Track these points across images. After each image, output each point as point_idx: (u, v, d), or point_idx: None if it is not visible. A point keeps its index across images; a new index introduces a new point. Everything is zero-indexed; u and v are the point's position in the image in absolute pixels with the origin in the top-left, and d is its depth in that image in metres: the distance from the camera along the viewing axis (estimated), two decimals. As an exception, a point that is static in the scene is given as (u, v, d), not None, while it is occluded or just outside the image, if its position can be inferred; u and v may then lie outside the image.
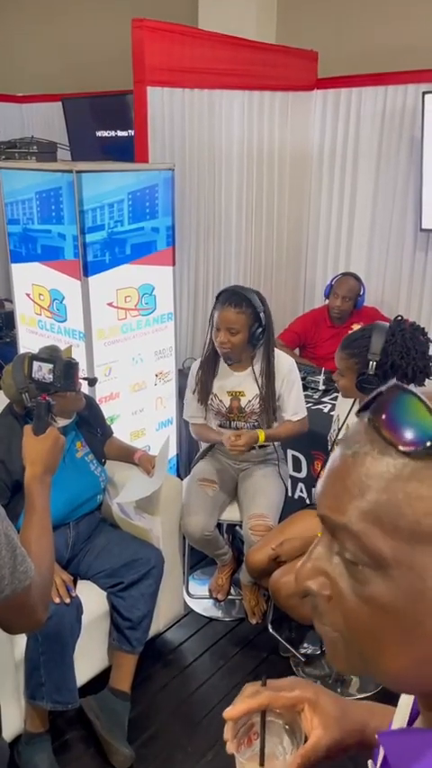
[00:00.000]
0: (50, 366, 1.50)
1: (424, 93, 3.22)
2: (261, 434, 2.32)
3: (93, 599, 2.13)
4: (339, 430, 2.15)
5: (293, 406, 2.40)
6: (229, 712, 0.74)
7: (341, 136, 3.82)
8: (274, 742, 0.74)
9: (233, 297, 2.24)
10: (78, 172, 2.44)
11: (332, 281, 3.52)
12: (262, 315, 2.26)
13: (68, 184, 2.48)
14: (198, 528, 2.32)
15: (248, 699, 0.75)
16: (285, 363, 2.36)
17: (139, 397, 2.99)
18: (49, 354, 1.53)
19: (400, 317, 1.90)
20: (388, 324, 1.90)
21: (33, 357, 1.53)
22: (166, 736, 2.13)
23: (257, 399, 2.34)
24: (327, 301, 3.58)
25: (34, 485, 1.31)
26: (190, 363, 3.39)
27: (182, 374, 3.27)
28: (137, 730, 2.10)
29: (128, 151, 4.49)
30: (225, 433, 2.37)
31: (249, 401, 2.35)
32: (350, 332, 2.04)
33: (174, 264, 2.96)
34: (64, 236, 2.59)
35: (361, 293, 3.47)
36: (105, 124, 4.63)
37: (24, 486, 1.32)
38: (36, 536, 1.23)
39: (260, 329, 2.26)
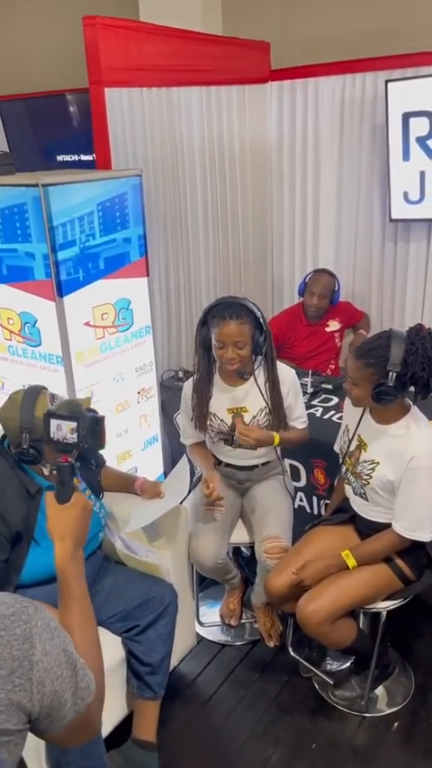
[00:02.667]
0: (73, 425, 1.31)
1: (387, 82, 3.16)
2: (276, 437, 2.20)
3: (107, 646, 1.91)
4: (351, 441, 2.07)
5: (299, 413, 2.30)
6: None
7: (300, 128, 3.72)
8: None
9: (230, 309, 2.09)
10: (45, 185, 2.25)
11: (306, 278, 3.43)
12: (262, 321, 2.14)
13: (34, 199, 2.29)
14: (210, 558, 2.19)
15: None
16: (288, 372, 2.25)
17: (123, 418, 2.83)
18: (70, 411, 1.34)
19: (419, 326, 1.81)
20: (405, 331, 1.81)
21: (51, 414, 1.34)
22: (199, 781, 2.01)
23: (264, 413, 2.22)
24: (300, 299, 3.50)
25: (67, 564, 1.15)
26: (169, 376, 3.26)
27: (163, 388, 3.13)
28: (167, 780, 1.98)
29: (75, 152, 4.30)
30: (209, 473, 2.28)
31: (254, 416, 2.23)
32: (361, 341, 1.94)
33: (148, 275, 2.80)
34: (33, 255, 2.39)
35: (336, 289, 3.40)
36: (46, 127, 4.39)
37: (56, 566, 1.16)
38: (78, 625, 1.07)
39: (262, 336, 2.14)
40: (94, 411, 1.53)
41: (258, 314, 2.14)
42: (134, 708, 2.05)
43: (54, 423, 1.29)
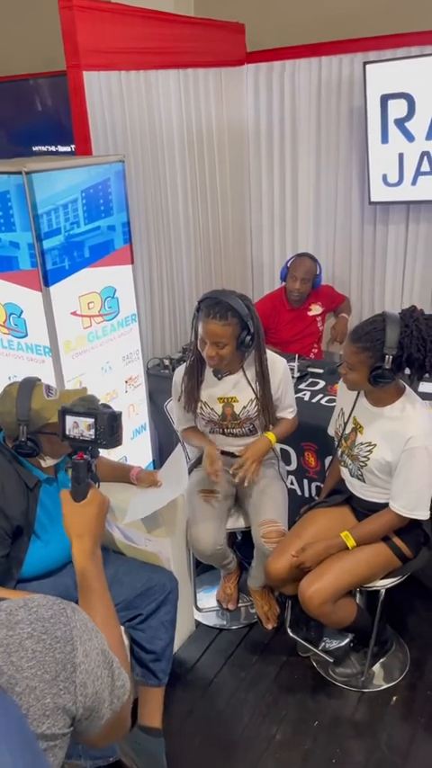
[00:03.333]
0: (90, 421, 1.28)
1: (365, 64, 3.16)
2: (272, 437, 2.22)
3: None
4: (346, 424, 2.09)
5: (289, 403, 2.32)
6: None
7: (277, 111, 3.71)
8: None
9: (216, 308, 2.06)
10: (29, 173, 2.20)
11: (287, 263, 3.44)
12: (250, 322, 2.11)
13: (18, 187, 2.24)
14: (209, 545, 2.20)
15: None
16: (280, 364, 2.25)
17: (112, 407, 2.80)
18: (87, 407, 1.31)
19: (413, 307, 1.84)
20: (398, 314, 1.83)
21: (66, 411, 1.31)
22: (206, 763, 2.03)
23: (253, 404, 2.22)
24: (282, 284, 3.50)
25: (86, 562, 1.14)
26: (155, 364, 3.24)
27: (149, 376, 3.11)
28: (175, 764, 1.99)
29: (42, 137, 4.20)
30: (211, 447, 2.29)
31: (244, 407, 2.23)
32: (357, 324, 1.95)
33: (132, 262, 2.77)
34: (17, 244, 2.34)
35: (318, 273, 3.41)
36: (18, 114, 4.29)
37: (75, 564, 1.16)
38: (102, 622, 1.06)
39: (249, 336, 2.12)
40: (108, 407, 1.51)
41: (247, 314, 2.08)
42: (139, 695, 2.05)
43: (70, 420, 1.27)
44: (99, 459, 2.25)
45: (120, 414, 1.32)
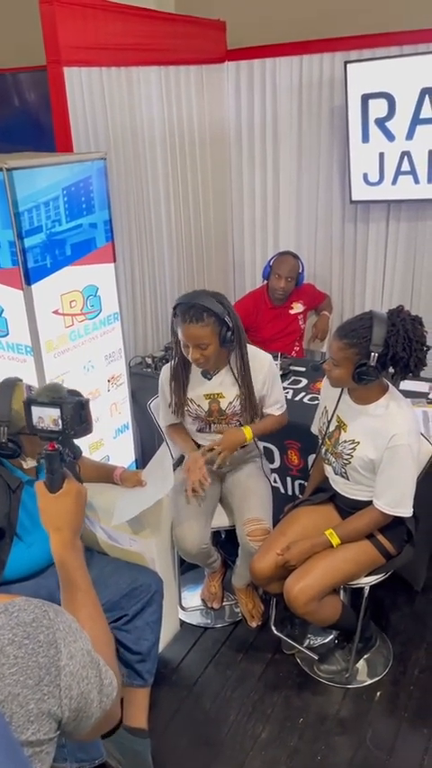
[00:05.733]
0: (57, 412, 1.26)
1: (346, 63, 3.17)
2: (248, 432, 2.22)
3: None
4: (330, 422, 2.10)
5: (276, 399, 2.32)
6: None
7: (258, 109, 3.71)
8: None
9: (191, 311, 2.05)
10: (10, 169, 2.17)
11: (270, 261, 3.44)
12: (227, 318, 2.11)
13: (-2, 184, 2.21)
14: (195, 544, 2.20)
15: None
16: (265, 360, 2.25)
17: (94, 406, 2.74)
18: (51, 397, 1.28)
19: (400, 307, 1.85)
20: (386, 313, 1.84)
21: (32, 402, 1.28)
22: (193, 763, 2.03)
23: (239, 400, 2.22)
24: (264, 282, 3.51)
25: (67, 554, 1.10)
26: (137, 362, 3.23)
27: (132, 375, 3.10)
28: (161, 764, 1.98)
29: (15, 135, 4.14)
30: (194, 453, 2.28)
31: (230, 402, 2.23)
32: (344, 321, 1.96)
33: (114, 261, 2.75)
34: (-2, 242, 2.31)
35: (300, 271, 3.42)
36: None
37: (54, 558, 1.12)
38: (87, 617, 1.04)
39: (229, 332, 2.12)
40: (77, 393, 1.47)
41: (222, 310, 2.08)
42: (124, 696, 2.04)
43: (36, 411, 1.24)
44: (82, 459, 2.24)
45: (87, 401, 1.29)
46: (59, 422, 1.26)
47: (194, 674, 2.35)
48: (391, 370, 1.87)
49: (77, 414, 1.27)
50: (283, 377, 3.03)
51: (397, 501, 1.93)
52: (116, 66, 2.91)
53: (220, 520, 2.40)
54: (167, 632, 2.32)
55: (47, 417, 1.27)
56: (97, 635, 1.01)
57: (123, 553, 2.13)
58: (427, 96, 3.03)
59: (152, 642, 2.01)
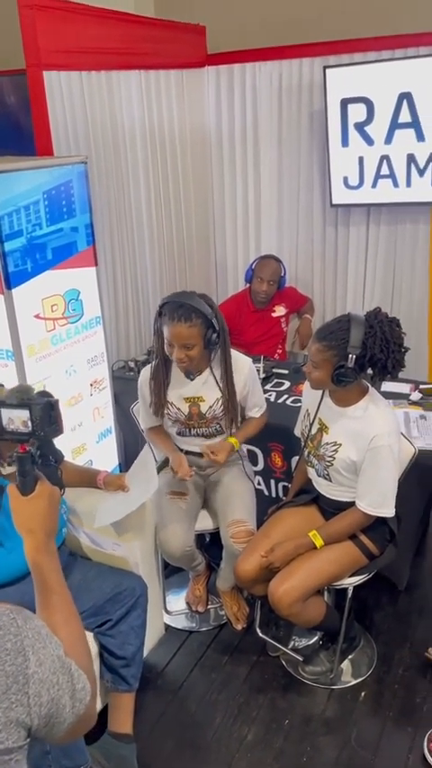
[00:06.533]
0: (25, 414, 1.25)
1: (325, 68, 3.20)
2: (235, 443, 2.24)
3: None
4: (312, 425, 2.11)
5: (257, 402, 2.33)
6: None
7: (239, 113, 3.73)
8: None
9: (180, 310, 2.06)
10: (-11, 174, 2.16)
11: (252, 264, 3.45)
12: (214, 320, 2.12)
13: (-23, 188, 2.20)
14: (179, 547, 2.20)
15: None
16: (245, 363, 2.26)
17: (77, 411, 2.78)
18: (20, 399, 1.27)
19: (377, 309, 1.87)
20: (364, 315, 1.86)
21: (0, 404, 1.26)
22: (179, 766, 2.03)
23: (219, 403, 2.23)
24: (247, 285, 3.52)
25: (40, 557, 1.09)
26: (119, 366, 3.22)
27: (115, 379, 3.09)
28: (146, 769, 1.98)
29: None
30: (177, 454, 2.28)
31: (210, 406, 2.24)
32: (324, 323, 1.97)
33: (96, 264, 2.75)
34: (-22, 246, 2.30)
35: (282, 274, 3.44)
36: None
37: (28, 561, 1.11)
38: (62, 621, 1.03)
39: (215, 334, 2.13)
40: (47, 394, 1.47)
41: (210, 312, 2.10)
42: (109, 701, 2.04)
43: (5, 413, 1.22)
44: (64, 464, 2.24)
45: (56, 402, 1.28)
46: (29, 423, 1.25)
47: (180, 677, 2.34)
48: (369, 371, 1.89)
49: (47, 414, 1.26)
50: (266, 380, 3.05)
51: (379, 502, 1.94)
52: (96, 71, 2.91)
53: (204, 523, 2.41)
54: (152, 636, 2.31)
55: (16, 419, 1.25)
56: (72, 638, 1.01)
57: (107, 557, 2.12)
58: (404, 101, 3.07)
59: (137, 647, 2.01)
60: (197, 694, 2.27)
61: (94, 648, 1.99)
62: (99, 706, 2.05)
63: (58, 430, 1.33)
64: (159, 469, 2.45)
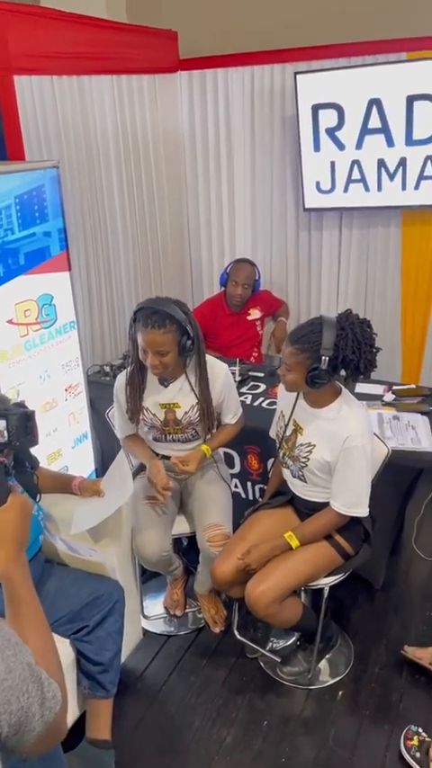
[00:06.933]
0: (2, 423, 1.25)
1: (296, 74, 3.23)
2: (207, 451, 2.25)
3: None
4: (286, 426, 2.13)
5: (232, 408, 2.34)
6: None
7: (212, 118, 3.75)
8: None
9: (154, 317, 2.06)
10: (-41, 178, 2.14)
11: (227, 268, 3.47)
12: (188, 327, 2.12)
13: None
14: (155, 551, 2.19)
15: None
16: (221, 369, 2.27)
17: (52, 417, 2.76)
18: None
19: (348, 311, 1.89)
20: (335, 317, 1.88)
21: None
22: (158, 772, 2.02)
23: (195, 409, 2.23)
24: (222, 289, 3.54)
25: (11, 569, 1.09)
26: (95, 371, 3.21)
27: (90, 384, 3.08)
28: (125, 776, 1.97)
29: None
30: (154, 462, 2.28)
31: (186, 412, 2.24)
32: (295, 326, 1.99)
33: (70, 269, 2.74)
34: None
35: (257, 278, 3.47)
36: None
37: None
38: (33, 631, 1.03)
39: (189, 341, 2.13)
40: (23, 405, 1.47)
41: (184, 318, 2.10)
42: (87, 708, 2.02)
43: None
44: (40, 470, 2.23)
45: (32, 413, 1.29)
46: (5, 433, 1.26)
47: (158, 682, 2.34)
48: (342, 372, 1.91)
49: (23, 425, 1.27)
50: (242, 383, 3.07)
51: (353, 502, 1.97)
52: (68, 75, 2.90)
53: (181, 527, 2.41)
54: (130, 641, 2.30)
55: None
56: (42, 648, 1.01)
57: (83, 563, 2.11)
58: (374, 107, 3.12)
59: (114, 652, 2.00)
60: (176, 698, 2.27)
61: (70, 655, 1.98)
62: (77, 713, 2.04)
63: (33, 440, 1.34)
64: (135, 474, 2.45)
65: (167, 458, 2.38)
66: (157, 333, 2.05)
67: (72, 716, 2.02)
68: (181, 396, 2.24)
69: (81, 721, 2.03)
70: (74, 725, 2.02)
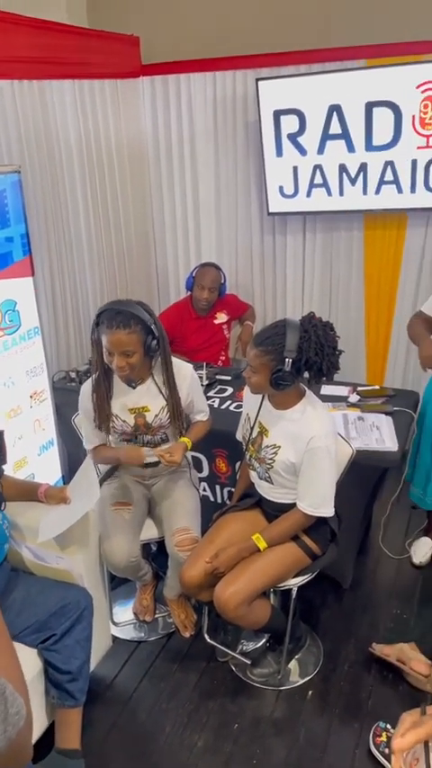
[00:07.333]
0: None
1: (257, 80, 3.26)
2: (189, 443, 2.24)
3: (23, 661, 1.90)
4: (252, 428, 2.14)
5: (201, 408, 2.35)
6: (400, 744, 0.73)
7: (175, 123, 3.76)
8: None
9: (118, 317, 2.05)
10: None
11: (193, 272, 3.48)
12: (153, 326, 2.12)
13: None
14: (123, 557, 2.18)
15: (414, 729, 0.72)
16: (186, 370, 2.27)
17: (17, 423, 2.73)
18: None
19: (311, 314, 1.91)
20: (298, 320, 1.90)
21: None
22: (129, 779, 2.01)
23: (165, 411, 2.23)
24: (188, 293, 3.54)
25: None
26: (61, 377, 3.18)
27: (56, 390, 3.05)
28: (96, 785, 1.95)
29: None
30: (127, 447, 2.25)
31: (156, 415, 2.23)
32: (259, 329, 2.01)
33: (33, 275, 2.72)
34: None
35: (223, 282, 3.48)
36: None
37: None
38: None
39: (154, 341, 2.13)
40: None
41: (149, 318, 2.10)
42: (56, 718, 2.00)
43: None
44: (5, 478, 2.20)
45: (2, 432, 1.28)
46: None
47: (129, 689, 2.32)
48: (306, 374, 1.93)
49: None
50: (210, 386, 3.07)
51: (318, 502, 1.99)
52: (28, 80, 2.88)
53: (150, 532, 2.40)
54: (99, 649, 2.29)
55: None
56: (4, 662, 0.99)
57: (51, 572, 2.09)
58: (334, 113, 3.17)
59: (82, 660, 1.98)
60: (147, 704, 2.26)
61: (38, 665, 1.95)
62: (45, 723, 2.02)
63: (2, 460, 1.32)
64: (103, 481, 2.44)
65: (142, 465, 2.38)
66: (122, 333, 2.04)
67: (41, 727, 2.00)
68: (149, 398, 2.23)
69: (50, 731, 2.01)
70: (42, 735, 2.00)
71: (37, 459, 2.90)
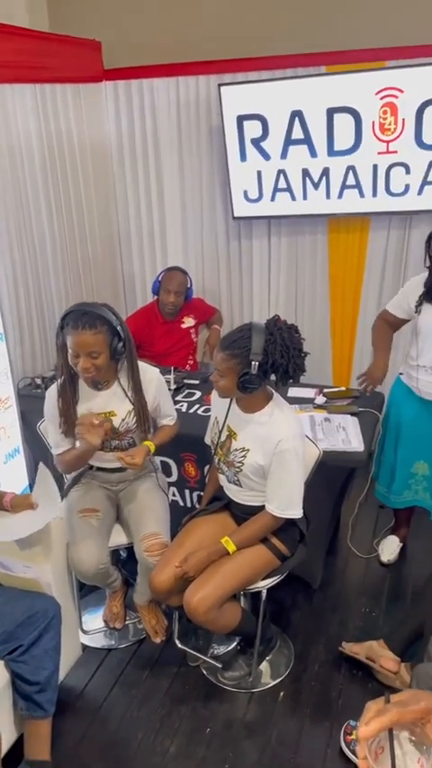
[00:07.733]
0: None
1: (220, 86, 3.28)
2: (152, 447, 2.23)
3: None
4: (221, 432, 2.14)
5: (168, 412, 2.34)
6: (364, 732, 0.74)
7: (138, 128, 3.75)
8: (401, 754, 0.77)
9: (84, 318, 2.03)
10: None
11: (159, 277, 3.47)
12: (119, 328, 2.12)
13: None
14: (92, 565, 2.16)
15: (378, 717, 0.73)
16: (153, 374, 2.27)
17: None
18: None
19: (276, 317, 1.93)
20: (264, 323, 1.92)
21: None
22: (101, 789, 1.99)
23: (131, 415, 2.22)
24: (155, 298, 3.54)
25: None
26: (26, 384, 3.14)
27: (21, 397, 3.01)
28: (68, 796, 1.93)
29: None
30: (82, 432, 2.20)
31: (123, 419, 2.22)
32: (225, 333, 2.02)
33: (-5, 280, 2.68)
34: None
35: (189, 285, 3.48)
36: None
37: None
38: None
39: (120, 343, 2.12)
40: None
41: (115, 320, 2.09)
42: (25, 729, 1.97)
43: None
44: (-31, 487, 2.16)
45: None
46: None
47: (99, 697, 2.30)
48: (272, 377, 1.95)
49: None
50: (178, 390, 3.07)
51: (286, 504, 2.00)
52: (-13, 83, 2.85)
53: (119, 538, 2.38)
54: (68, 658, 2.26)
55: None
56: None
57: (18, 581, 2.06)
58: (296, 118, 3.20)
59: (51, 670, 1.96)
60: (118, 712, 2.24)
61: (5, 676, 1.92)
62: (15, 736, 1.99)
63: None
64: (69, 489, 2.41)
65: (103, 469, 2.36)
66: (88, 333, 2.02)
67: (9, 740, 1.97)
68: (116, 402, 2.22)
69: (20, 743, 1.98)
70: (12, 747, 1.97)
71: (2, 468, 2.85)
